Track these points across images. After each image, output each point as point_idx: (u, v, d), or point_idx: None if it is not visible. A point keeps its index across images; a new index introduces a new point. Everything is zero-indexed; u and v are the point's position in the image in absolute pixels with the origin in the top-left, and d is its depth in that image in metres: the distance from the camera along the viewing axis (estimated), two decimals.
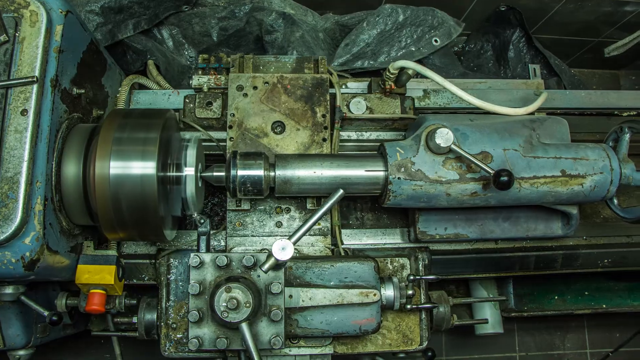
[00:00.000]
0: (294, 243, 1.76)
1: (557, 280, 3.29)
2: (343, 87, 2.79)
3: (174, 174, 2.04)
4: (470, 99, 2.15)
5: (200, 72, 2.52)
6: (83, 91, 2.09)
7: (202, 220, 2.00)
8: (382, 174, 2.09)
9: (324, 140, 2.35)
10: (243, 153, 2.09)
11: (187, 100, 2.51)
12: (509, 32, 3.59)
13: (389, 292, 2.13)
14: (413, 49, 3.02)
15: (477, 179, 2.10)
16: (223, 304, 1.79)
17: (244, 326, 1.79)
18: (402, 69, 2.36)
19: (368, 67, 2.99)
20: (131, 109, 2.36)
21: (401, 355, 2.37)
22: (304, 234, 1.83)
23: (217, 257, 1.92)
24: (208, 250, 2.01)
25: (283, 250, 1.73)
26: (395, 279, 2.16)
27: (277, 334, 1.92)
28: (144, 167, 1.87)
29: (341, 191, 1.88)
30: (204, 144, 2.42)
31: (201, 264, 1.94)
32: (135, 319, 2.24)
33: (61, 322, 2.10)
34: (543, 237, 2.51)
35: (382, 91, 2.54)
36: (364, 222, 2.62)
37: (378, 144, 2.27)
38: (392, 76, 2.43)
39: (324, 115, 2.37)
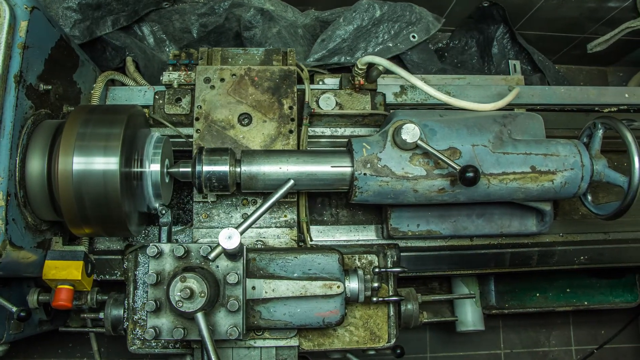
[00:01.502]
0: (241, 233, 1.75)
1: (539, 278, 3.28)
2: (320, 82, 2.79)
3: (139, 169, 2.04)
4: (437, 95, 2.15)
5: (170, 69, 2.53)
6: (50, 87, 2.09)
7: (164, 211, 2.01)
8: (348, 169, 2.08)
9: (291, 132, 2.34)
10: (209, 149, 2.09)
11: (156, 97, 2.51)
12: (492, 28, 3.57)
13: (353, 284, 2.11)
14: (390, 45, 3.01)
15: (445, 175, 2.08)
16: (178, 294, 1.78)
17: (199, 316, 1.78)
18: (371, 65, 2.35)
19: (345, 63, 2.98)
20: (96, 105, 2.35)
21: (371, 352, 2.35)
22: (251, 224, 1.83)
23: (175, 247, 1.91)
24: (169, 240, 2.02)
25: (229, 239, 1.71)
26: (360, 272, 2.14)
27: (235, 325, 1.91)
28: (107, 163, 1.87)
29: (292, 181, 1.89)
30: (172, 139, 2.43)
31: (159, 254, 1.93)
32: (102, 315, 2.24)
33: (29, 317, 2.10)
34: (517, 234, 2.50)
35: (352, 87, 2.53)
36: (338, 218, 2.61)
37: (345, 140, 2.27)
38: (360, 72, 2.42)
39: (290, 107, 2.37)
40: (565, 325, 3.87)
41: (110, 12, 2.95)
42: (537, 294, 3.28)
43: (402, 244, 2.48)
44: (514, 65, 3.16)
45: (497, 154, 2.14)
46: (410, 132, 2.01)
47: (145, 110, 2.45)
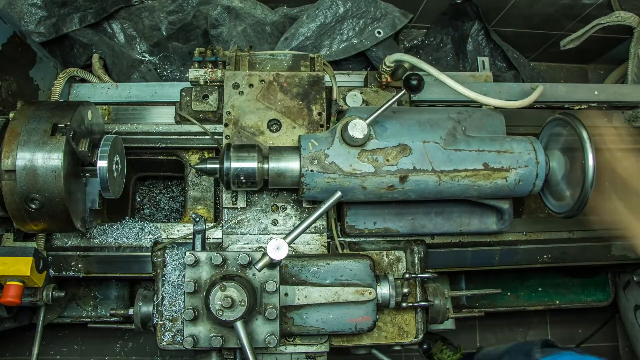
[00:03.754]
0: (289, 243, 1.74)
1: (510, 277, 3.26)
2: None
3: (87, 166, 2.03)
4: (467, 92, 2.13)
5: (196, 65, 2.54)
6: (1, 83, 2.09)
7: (198, 219, 2.00)
8: (296, 166, 2.07)
9: None
10: (237, 146, 2.09)
11: (183, 94, 2.52)
12: (467, 25, 3.55)
13: (384, 290, 2.13)
14: (355, 42, 2.99)
15: (393, 172, 2.06)
16: (218, 303, 1.79)
17: (239, 325, 1.79)
18: (398, 62, 2.36)
19: None
20: (44, 101, 2.36)
21: (397, 347, 2.37)
22: (299, 235, 1.81)
23: (212, 255, 1.91)
24: (203, 248, 2.00)
25: (277, 249, 1.71)
26: (390, 278, 2.16)
27: (272, 333, 1.91)
28: (51, 159, 1.87)
29: (339, 193, 1.87)
30: (199, 137, 2.49)
31: (196, 262, 1.92)
32: (131, 311, 2.22)
33: None
34: (477, 232, 2.47)
35: (378, 84, 2.55)
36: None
37: None
38: (388, 69, 2.44)
39: (319, 114, 2.35)
40: (542, 324, 3.85)
41: (77, 9, 2.95)
42: (509, 293, 3.26)
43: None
44: (483, 61, 3.12)
45: (449, 150, 2.11)
46: (358, 128, 1.99)
47: (172, 106, 2.53)
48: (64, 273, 2.39)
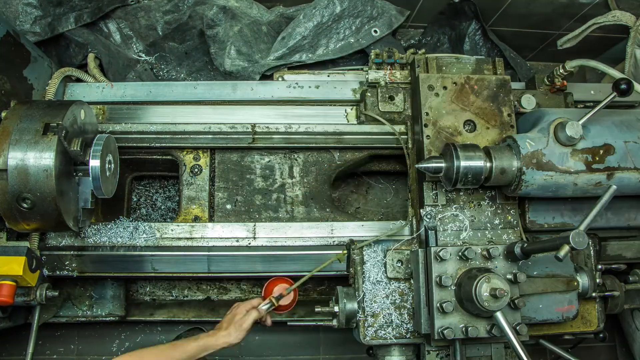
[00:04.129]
0: (584, 230, 1.86)
1: None
2: (279, 79, 2.79)
3: (79, 166, 2.03)
4: None
5: (374, 67, 2.66)
6: None
7: (429, 217, 2.24)
8: (515, 164, 2.19)
9: None
10: (461, 145, 2.18)
11: (368, 94, 2.64)
12: (464, 25, 3.54)
13: (583, 280, 2.31)
14: (352, 41, 2.97)
15: (602, 169, 2.18)
16: (485, 294, 1.90)
17: (499, 315, 1.90)
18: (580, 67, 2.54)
19: (306, 60, 2.95)
20: (36, 100, 2.35)
21: (568, 337, 2.54)
22: (590, 223, 1.94)
23: (460, 249, 2.08)
24: (437, 242, 2.21)
25: (581, 238, 1.80)
26: (586, 268, 2.33)
27: (516, 321, 2.01)
28: (43, 158, 1.87)
29: (614, 187, 1.98)
30: (382, 136, 2.63)
31: (444, 257, 2.07)
32: (336, 308, 2.27)
33: None
34: None
35: (550, 87, 2.69)
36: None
37: None
38: (566, 74, 2.57)
39: (509, 115, 2.43)
40: None
41: (73, 8, 2.95)
42: None
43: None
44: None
45: None
46: (574, 129, 2.13)
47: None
48: (57, 272, 2.40)
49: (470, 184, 2.19)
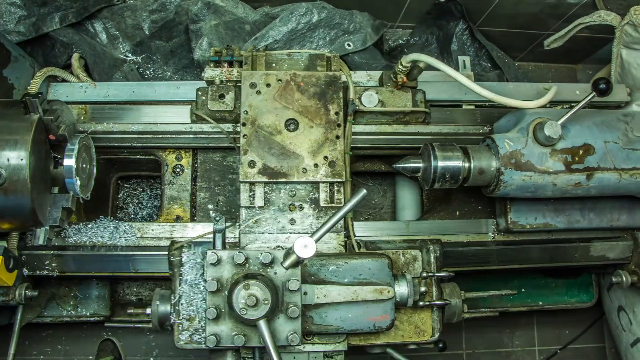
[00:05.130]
0: (316, 241, 1.75)
1: (494, 278, 3.23)
2: None
3: (53, 166, 2.03)
4: (485, 93, 2.21)
5: (212, 65, 2.55)
6: None
7: (218, 218, 2.01)
8: (493, 164, 2.19)
9: (337, 137, 2.36)
10: (439, 145, 2.17)
11: (199, 93, 2.53)
12: (452, 25, 3.53)
13: (402, 289, 2.13)
14: (325, 51, 2.99)
15: (582, 169, 2.19)
16: (242, 301, 1.80)
17: (262, 323, 1.79)
18: (414, 63, 2.39)
19: None
20: (13, 100, 2.35)
21: (412, 346, 2.36)
22: (326, 232, 1.82)
23: (234, 254, 1.91)
24: (224, 247, 2.02)
25: (305, 247, 1.71)
26: (408, 276, 2.16)
27: (295, 331, 1.92)
28: (17, 158, 1.87)
29: (364, 191, 1.87)
30: (214, 136, 2.53)
31: (218, 261, 1.93)
32: (149, 311, 2.19)
33: None
34: (626, 227, 2.61)
35: (393, 84, 2.58)
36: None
37: (390, 136, 2.47)
38: (404, 69, 2.47)
39: (337, 113, 2.38)
40: (529, 325, 3.82)
41: (58, 8, 2.95)
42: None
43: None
44: (464, 60, 3.12)
45: (627, 150, 2.26)
46: (554, 129, 2.12)
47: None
48: (37, 272, 2.39)
49: (449, 184, 2.18)
